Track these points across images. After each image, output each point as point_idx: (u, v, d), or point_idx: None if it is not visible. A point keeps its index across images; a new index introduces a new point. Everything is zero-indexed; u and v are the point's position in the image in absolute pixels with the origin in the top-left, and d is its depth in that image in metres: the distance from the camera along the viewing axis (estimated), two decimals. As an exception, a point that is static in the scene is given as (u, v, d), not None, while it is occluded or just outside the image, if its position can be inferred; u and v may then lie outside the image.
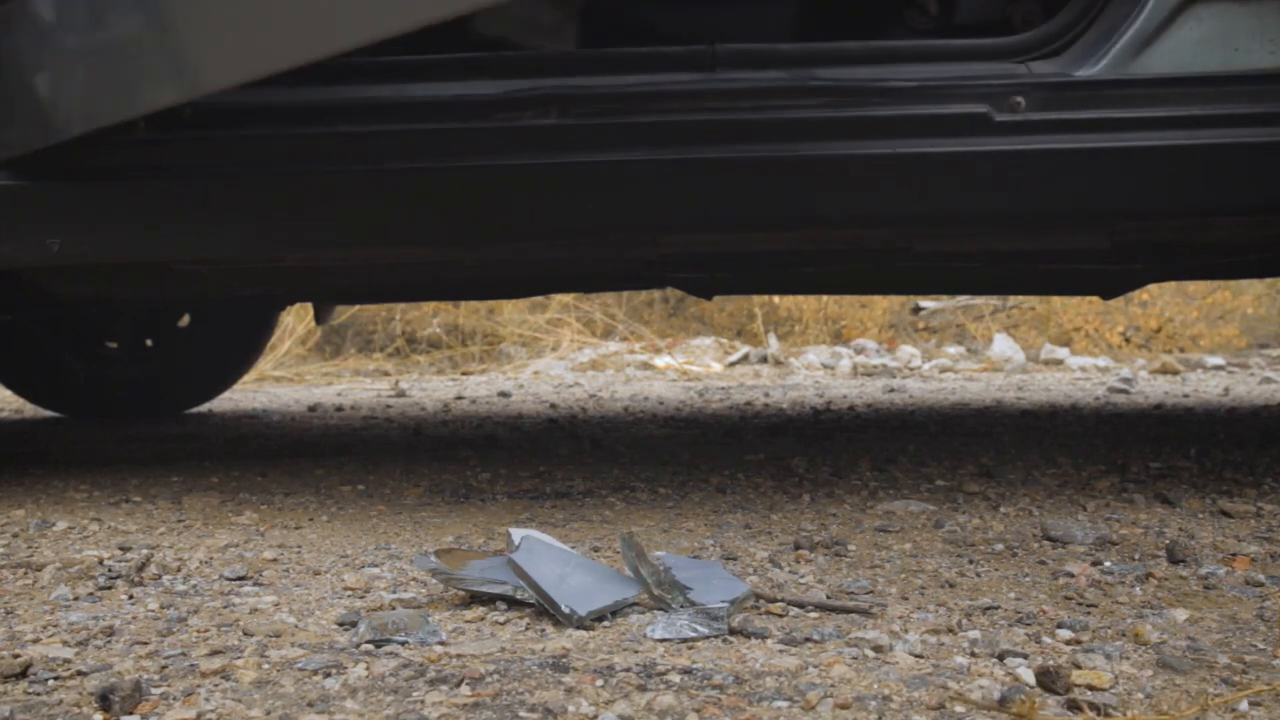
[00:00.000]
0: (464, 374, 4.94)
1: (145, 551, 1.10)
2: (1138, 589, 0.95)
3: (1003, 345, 5.23)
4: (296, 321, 4.96)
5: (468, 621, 0.84)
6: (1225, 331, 6.09)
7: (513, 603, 0.87)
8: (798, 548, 1.10)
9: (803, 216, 1.31)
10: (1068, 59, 1.24)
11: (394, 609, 0.85)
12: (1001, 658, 0.76)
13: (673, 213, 1.29)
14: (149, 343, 2.65)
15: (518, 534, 0.92)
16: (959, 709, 0.66)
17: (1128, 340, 6.09)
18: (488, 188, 1.27)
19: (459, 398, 3.44)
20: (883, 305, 5.81)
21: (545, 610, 0.85)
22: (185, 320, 2.67)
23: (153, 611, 0.89)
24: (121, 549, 1.13)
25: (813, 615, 0.86)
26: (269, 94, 1.27)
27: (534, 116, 1.25)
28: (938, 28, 1.40)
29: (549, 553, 0.88)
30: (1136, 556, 1.06)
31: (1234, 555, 1.06)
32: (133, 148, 1.26)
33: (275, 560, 1.07)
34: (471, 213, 1.30)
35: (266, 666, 0.74)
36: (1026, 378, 4.33)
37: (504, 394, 3.52)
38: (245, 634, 0.82)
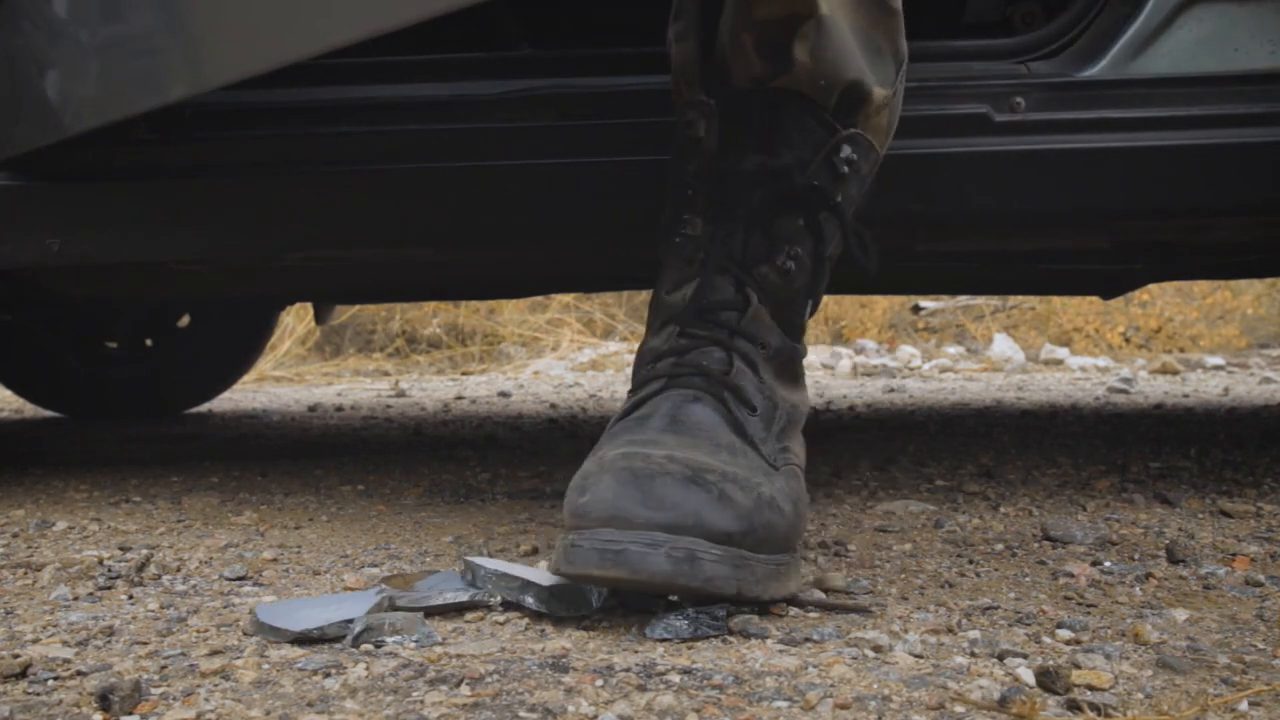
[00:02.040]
0: (464, 374, 4.94)
1: (145, 551, 1.10)
2: (1138, 589, 0.95)
3: (1003, 345, 5.23)
4: (296, 321, 4.96)
5: (467, 622, 0.85)
6: (1225, 331, 6.09)
7: (487, 607, 0.88)
8: (798, 548, 1.10)
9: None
10: (1067, 59, 1.24)
11: (394, 609, 0.85)
12: (1001, 658, 0.76)
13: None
14: (149, 343, 2.65)
15: (480, 560, 0.93)
16: (959, 709, 0.66)
17: (1128, 340, 6.09)
18: (488, 188, 1.27)
19: (459, 398, 3.44)
20: (883, 305, 5.82)
21: (517, 604, 0.86)
22: (185, 320, 2.67)
23: (152, 611, 0.89)
24: (121, 549, 1.13)
25: (813, 615, 0.86)
26: (269, 94, 1.27)
27: (535, 117, 1.25)
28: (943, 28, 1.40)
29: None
30: (1136, 556, 1.06)
31: (1234, 555, 1.07)
32: (133, 148, 1.26)
33: (275, 560, 1.07)
34: (473, 213, 1.30)
35: (266, 666, 0.74)
36: (1026, 378, 4.33)
37: (504, 394, 3.52)
38: (245, 634, 0.82)
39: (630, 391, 0.97)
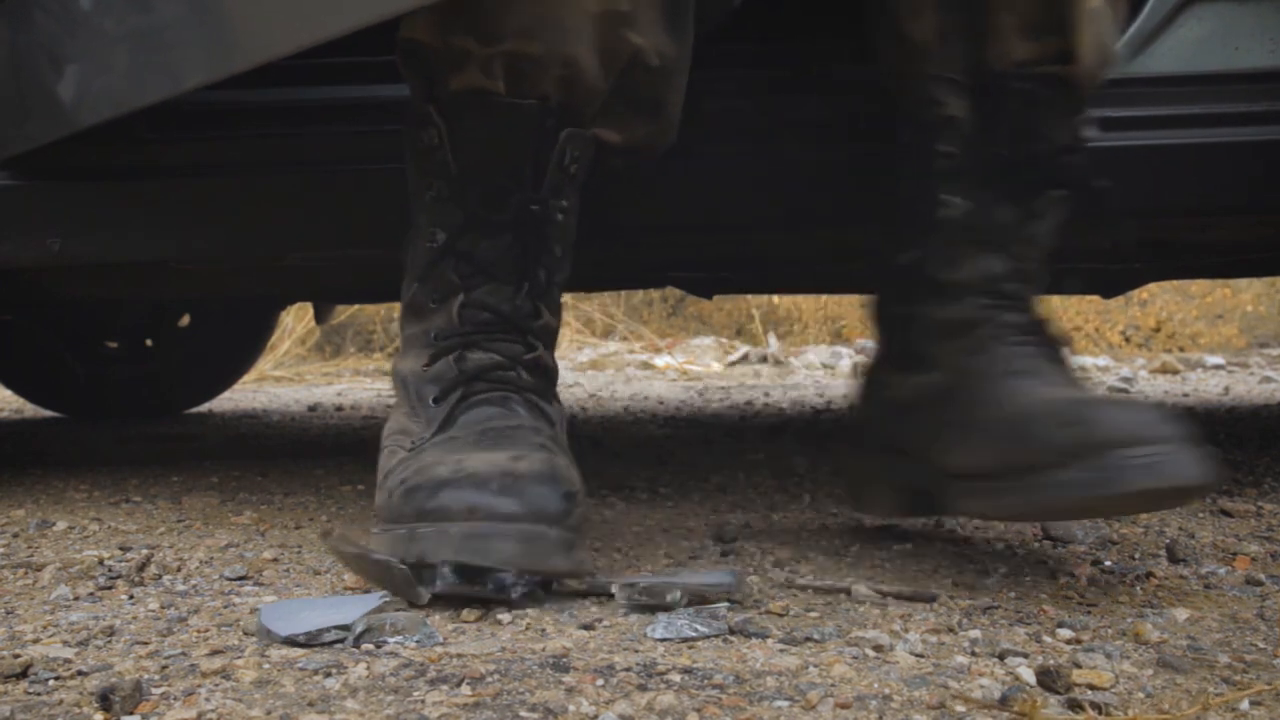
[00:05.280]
0: (464, 374, 4.92)
1: (145, 551, 1.10)
2: (1138, 588, 0.95)
3: (1003, 345, 5.21)
4: (296, 321, 4.95)
5: (467, 621, 0.85)
6: (1225, 330, 6.09)
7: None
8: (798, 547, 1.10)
9: (805, 215, 1.31)
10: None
11: (394, 609, 0.85)
12: (1002, 657, 0.76)
13: (675, 211, 1.29)
14: (149, 342, 2.64)
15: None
16: (960, 708, 0.66)
17: (1127, 339, 6.09)
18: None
19: (459, 397, 3.43)
20: (883, 305, 5.80)
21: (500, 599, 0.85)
22: (185, 320, 2.67)
23: (153, 611, 0.89)
24: (121, 549, 1.13)
25: (813, 615, 0.86)
26: (270, 93, 1.26)
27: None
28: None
29: None
30: (1136, 556, 1.06)
31: (1234, 555, 1.07)
32: (133, 147, 1.26)
33: (275, 560, 1.07)
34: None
35: (267, 666, 0.74)
36: (1026, 377, 4.32)
37: (504, 394, 3.51)
38: (245, 634, 0.82)
39: (949, 350, 1.00)
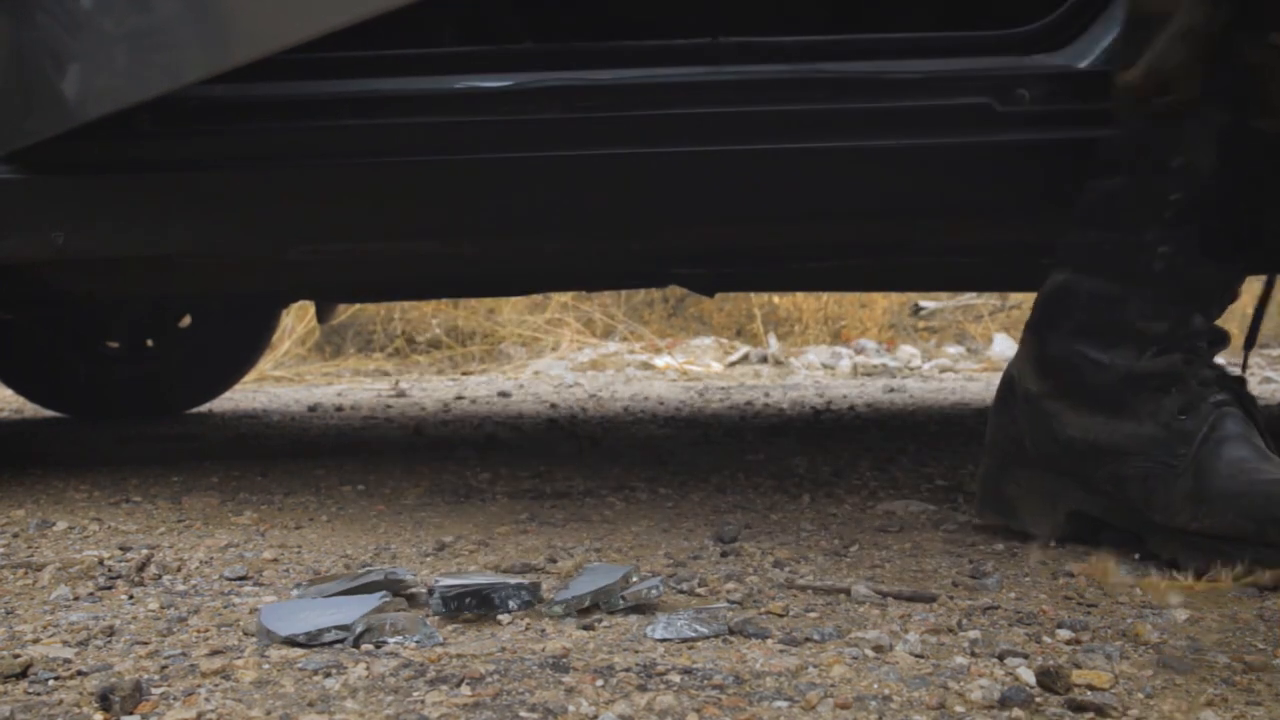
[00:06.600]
0: (464, 374, 4.94)
1: (145, 551, 1.10)
2: (1138, 589, 0.95)
3: (1003, 345, 5.22)
4: (296, 321, 4.95)
5: (467, 622, 0.85)
6: (1225, 331, 6.07)
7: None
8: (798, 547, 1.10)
9: (804, 210, 1.31)
10: (1072, 51, 1.24)
11: (394, 609, 0.85)
12: (1001, 658, 0.76)
13: (675, 206, 1.29)
14: (150, 342, 2.64)
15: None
16: (959, 709, 0.66)
17: (1128, 340, 6.06)
18: (492, 181, 1.28)
19: (459, 398, 3.44)
20: (882, 305, 5.81)
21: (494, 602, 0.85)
22: (186, 320, 2.67)
23: (153, 611, 0.89)
24: (121, 549, 1.13)
25: (812, 615, 0.86)
26: (273, 87, 1.27)
27: (538, 110, 1.25)
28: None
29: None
30: (1137, 555, 1.06)
31: (1234, 555, 1.06)
32: (137, 141, 1.26)
33: (275, 560, 1.07)
34: (476, 206, 1.30)
35: (266, 666, 0.74)
36: (1027, 377, 4.31)
37: (504, 394, 3.52)
38: (245, 634, 0.82)
39: (1162, 408, 1.02)
